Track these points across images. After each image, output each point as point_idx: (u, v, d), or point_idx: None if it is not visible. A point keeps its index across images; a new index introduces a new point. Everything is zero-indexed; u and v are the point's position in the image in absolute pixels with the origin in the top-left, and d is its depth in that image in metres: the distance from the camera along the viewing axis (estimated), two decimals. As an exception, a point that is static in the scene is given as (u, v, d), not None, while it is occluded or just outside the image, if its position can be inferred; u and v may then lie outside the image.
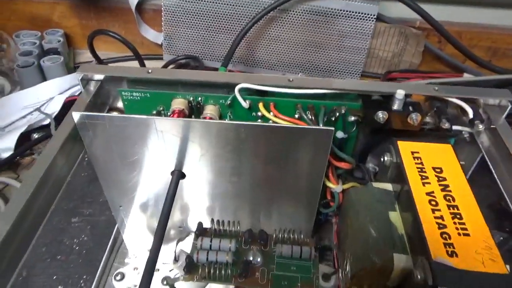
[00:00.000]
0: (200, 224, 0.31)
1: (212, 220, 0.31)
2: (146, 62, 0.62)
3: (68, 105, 0.58)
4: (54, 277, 0.38)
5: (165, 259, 0.36)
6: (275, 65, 0.67)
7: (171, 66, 0.67)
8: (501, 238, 0.42)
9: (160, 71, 0.32)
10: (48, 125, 0.53)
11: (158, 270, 0.36)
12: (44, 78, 0.62)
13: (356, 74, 0.66)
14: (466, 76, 0.65)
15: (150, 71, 0.32)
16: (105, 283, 0.37)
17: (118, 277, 0.36)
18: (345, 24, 0.61)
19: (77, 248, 0.40)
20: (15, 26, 0.70)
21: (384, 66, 0.68)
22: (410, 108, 0.31)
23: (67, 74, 0.63)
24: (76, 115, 0.28)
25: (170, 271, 0.36)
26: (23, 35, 0.68)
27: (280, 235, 0.31)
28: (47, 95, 0.57)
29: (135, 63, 0.62)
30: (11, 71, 0.62)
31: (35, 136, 0.53)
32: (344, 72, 0.66)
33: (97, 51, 0.59)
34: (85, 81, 0.32)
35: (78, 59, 0.72)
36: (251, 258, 0.30)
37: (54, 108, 0.56)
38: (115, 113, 0.34)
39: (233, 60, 0.63)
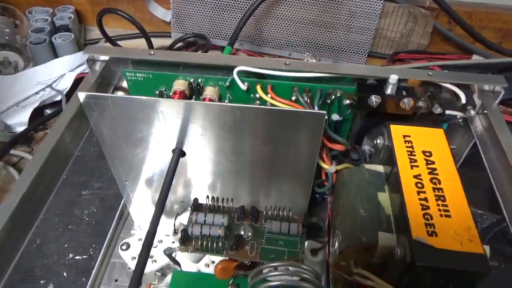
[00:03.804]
0: (195, 200, 0.33)
1: (207, 197, 0.33)
2: (154, 40, 0.63)
3: (78, 82, 0.59)
4: (66, 245, 0.40)
5: (168, 231, 0.38)
6: (282, 44, 0.67)
7: (179, 43, 0.67)
8: (494, 220, 0.43)
9: (162, 53, 0.33)
10: (59, 101, 0.55)
11: (162, 241, 0.38)
12: (55, 55, 0.64)
13: (363, 54, 0.66)
14: (475, 58, 0.64)
15: (152, 52, 0.33)
16: (112, 252, 0.40)
17: (124, 247, 0.38)
18: (353, 3, 0.61)
19: (86, 219, 0.43)
20: (27, 3, 0.71)
21: (392, 46, 0.68)
22: (404, 92, 0.32)
23: (77, 50, 0.64)
24: (81, 95, 0.29)
25: (172, 243, 0.39)
26: (35, 11, 0.69)
27: (270, 212, 0.33)
28: (59, 72, 0.59)
29: (143, 41, 0.63)
30: (24, 47, 0.63)
31: (48, 111, 0.55)
32: (351, 51, 0.66)
33: (107, 28, 0.59)
34: (91, 62, 0.34)
35: (89, 35, 0.73)
36: (242, 233, 0.32)
37: (65, 84, 0.58)
38: (119, 93, 0.35)
39: (240, 39, 0.63)
